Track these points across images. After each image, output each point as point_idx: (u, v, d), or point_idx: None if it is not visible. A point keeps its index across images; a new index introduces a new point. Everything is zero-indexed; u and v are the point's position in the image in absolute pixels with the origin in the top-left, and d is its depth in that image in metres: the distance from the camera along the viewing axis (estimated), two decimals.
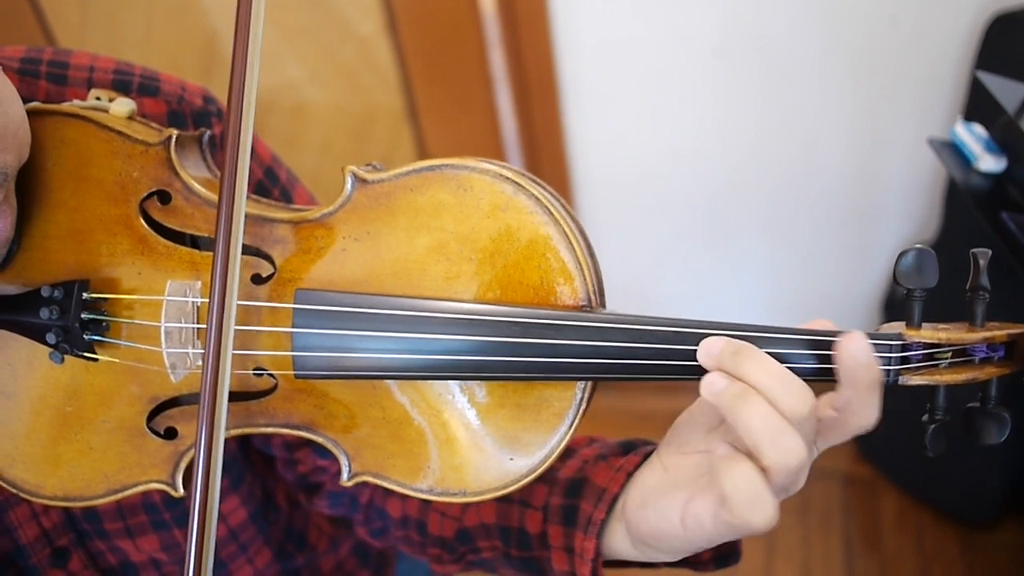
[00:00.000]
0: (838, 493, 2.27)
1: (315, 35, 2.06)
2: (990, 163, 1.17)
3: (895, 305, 2.17)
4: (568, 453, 0.84)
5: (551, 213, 0.66)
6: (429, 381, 0.69)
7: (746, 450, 0.59)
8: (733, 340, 0.62)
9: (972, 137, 1.21)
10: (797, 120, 1.99)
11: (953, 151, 1.22)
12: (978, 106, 1.73)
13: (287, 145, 2.23)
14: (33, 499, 0.76)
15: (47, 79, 0.82)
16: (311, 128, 2.20)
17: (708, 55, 1.92)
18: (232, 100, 0.66)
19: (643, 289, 2.39)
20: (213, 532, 0.63)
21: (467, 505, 0.87)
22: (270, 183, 0.91)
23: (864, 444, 2.30)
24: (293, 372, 0.69)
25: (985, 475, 2.02)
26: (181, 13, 2.04)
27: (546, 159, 2.15)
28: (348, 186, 0.69)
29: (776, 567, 2.16)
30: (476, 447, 0.70)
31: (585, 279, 0.66)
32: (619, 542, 0.73)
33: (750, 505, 0.57)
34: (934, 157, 1.26)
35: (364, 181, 0.69)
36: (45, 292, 0.71)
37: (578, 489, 0.79)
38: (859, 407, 0.61)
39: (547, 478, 0.82)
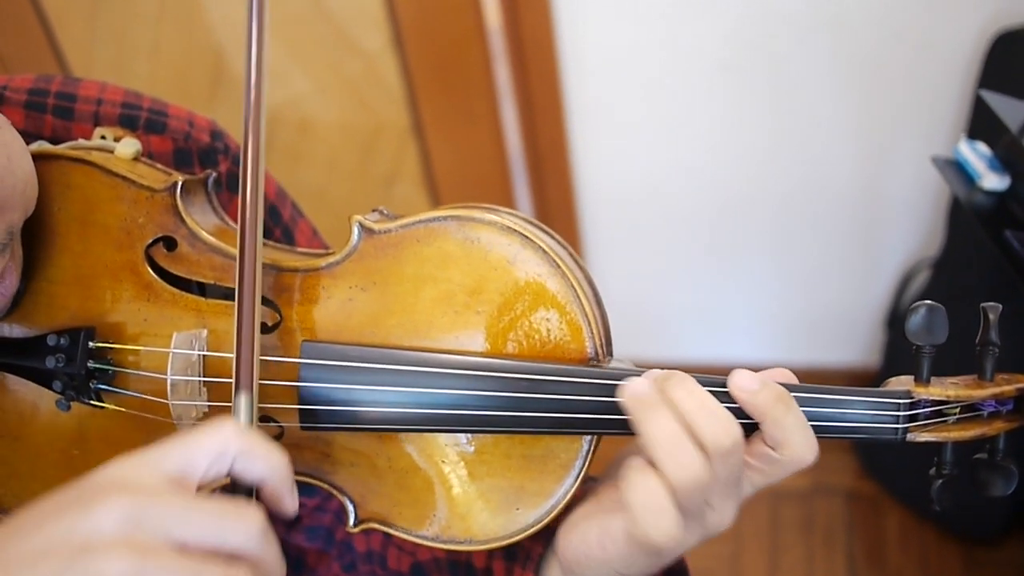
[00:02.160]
0: (842, 510, 2.27)
1: (321, 51, 2.07)
2: (994, 181, 1.18)
3: (898, 321, 2.17)
4: None
5: (558, 266, 0.66)
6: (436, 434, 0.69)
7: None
8: (665, 372, 0.62)
9: (976, 155, 1.21)
10: (802, 136, 2.00)
11: (957, 169, 1.23)
12: (982, 124, 1.74)
13: (293, 160, 2.24)
14: None
15: (53, 113, 0.82)
16: (317, 143, 2.21)
17: (714, 70, 1.93)
18: (246, 165, 0.66)
19: (647, 303, 2.39)
20: None
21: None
22: (272, 222, 0.90)
23: (868, 461, 2.30)
24: (299, 424, 0.69)
25: None
26: (188, 30, 2.05)
27: (551, 173, 2.15)
28: (354, 236, 0.69)
29: None
30: (482, 497, 0.69)
31: (592, 332, 0.66)
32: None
33: (650, 516, 0.57)
34: (938, 175, 1.26)
35: (371, 231, 0.69)
36: (51, 341, 0.70)
37: None
38: (783, 437, 0.60)
39: None
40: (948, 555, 2.13)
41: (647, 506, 0.57)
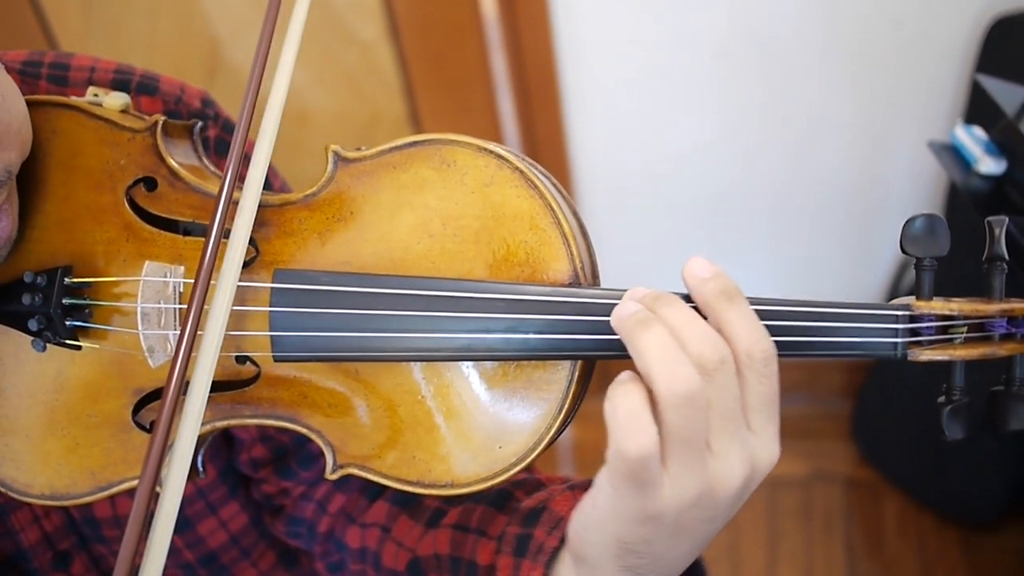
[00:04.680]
0: (840, 497, 2.27)
1: (317, 40, 2.06)
2: (990, 166, 1.18)
3: None
4: (538, 486, 0.82)
5: (536, 187, 0.65)
6: (412, 366, 0.68)
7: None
8: (652, 291, 0.60)
9: (972, 140, 1.21)
10: (798, 122, 2.00)
11: (953, 154, 1.23)
12: (978, 109, 1.74)
13: (289, 150, 2.23)
14: (22, 498, 0.75)
15: (47, 80, 0.83)
16: (313, 133, 2.20)
17: (710, 58, 1.93)
18: (249, 86, 0.67)
19: None
20: (173, 518, 0.61)
21: (425, 530, 0.84)
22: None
23: (866, 447, 2.30)
24: (272, 354, 0.68)
25: (987, 477, 2.02)
26: (184, 20, 2.05)
27: (548, 162, 2.15)
28: (330, 165, 0.69)
29: (779, 571, 2.16)
30: (462, 435, 0.67)
31: (573, 254, 0.65)
32: (566, 573, 0.68)
33: (624, 423, 0.54)
34: (935, 160, 1.26)
35: (346, 160, 0.68)
36: (28, 278, 0.70)
37: (536, 517, 0.76)
38: (728, 332, 0.58)
39: (510, 508, 0.80)
40: (946, 541, 2.14)
41: (624, 412, 0.54)
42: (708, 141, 2.06)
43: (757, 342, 0.58)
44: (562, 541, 0.71)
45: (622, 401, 0.55)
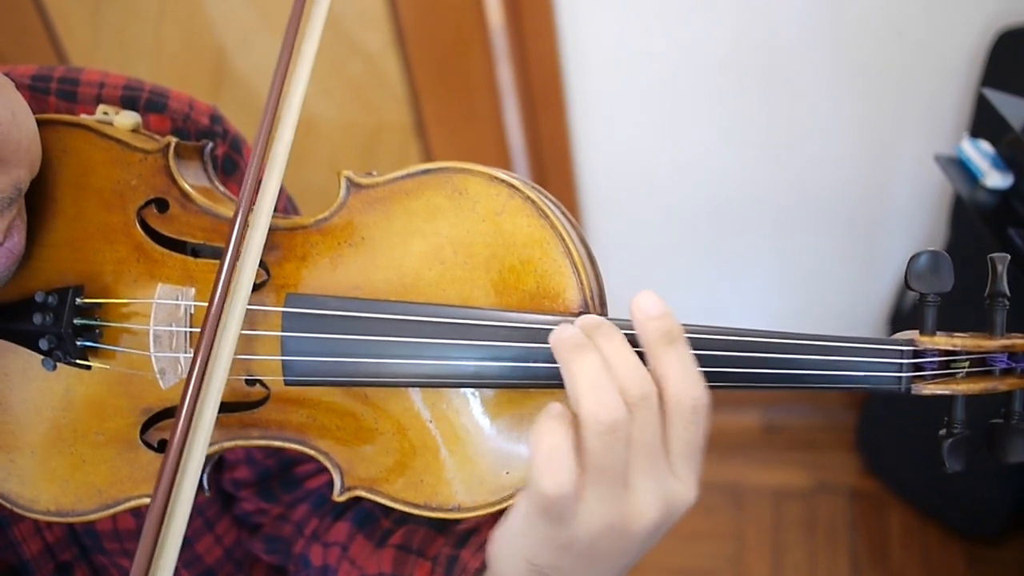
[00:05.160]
0: (844, 508, 2.27)
1: (322, 50, 2.06)
2: (997, 179, 1.18)
3: (901, 319, 2.17)
4: None
5: (547, 217, 0.65)
6: (421, 392, 0.68)
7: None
8: (595, 319, 0.61)
9: (978, 154, 1.21)
10: (803, 134, 2.00)
11: (960, 167, 1.23)
12: (984, 123, 1.74)
13: (295, 160, 2.22)
14: (27, 514, 0.75)
15: (57, 96, 0.83)
16: (319, 143, 2.21)
17: (715, 69, 1.93)
18: (266, 108, 0.67)
19: None
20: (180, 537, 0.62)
21: (374, 550, 0.85)
22: None
23: (871, 459, 2.30)
24: (283, 378, 0.69)
25: (991, 490, 2.02)
26: (190, 29, 2.05)
27: (553, 172, 2.15)
28: (343, 191, 0.69)
29: None
30: (470, 460, 0.68)
31: (582, 284, 0.65)
32: None
33: (545, 460, 0.55)
34: (941, 173, 1.26)
35: (359, 186, 0.69)
36: (39, 298, 0.70)
37: (466, 539, 0.78)
38: (662, 372, 0.58)
39: (449, 531, 0.82)
40: (951, 553, 2.13)
41: (547, 447, 0.55)
42: (712, 151, 2.06)
43: (688, 389, 0.58)
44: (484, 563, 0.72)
45: (547, 437, 0.55)
